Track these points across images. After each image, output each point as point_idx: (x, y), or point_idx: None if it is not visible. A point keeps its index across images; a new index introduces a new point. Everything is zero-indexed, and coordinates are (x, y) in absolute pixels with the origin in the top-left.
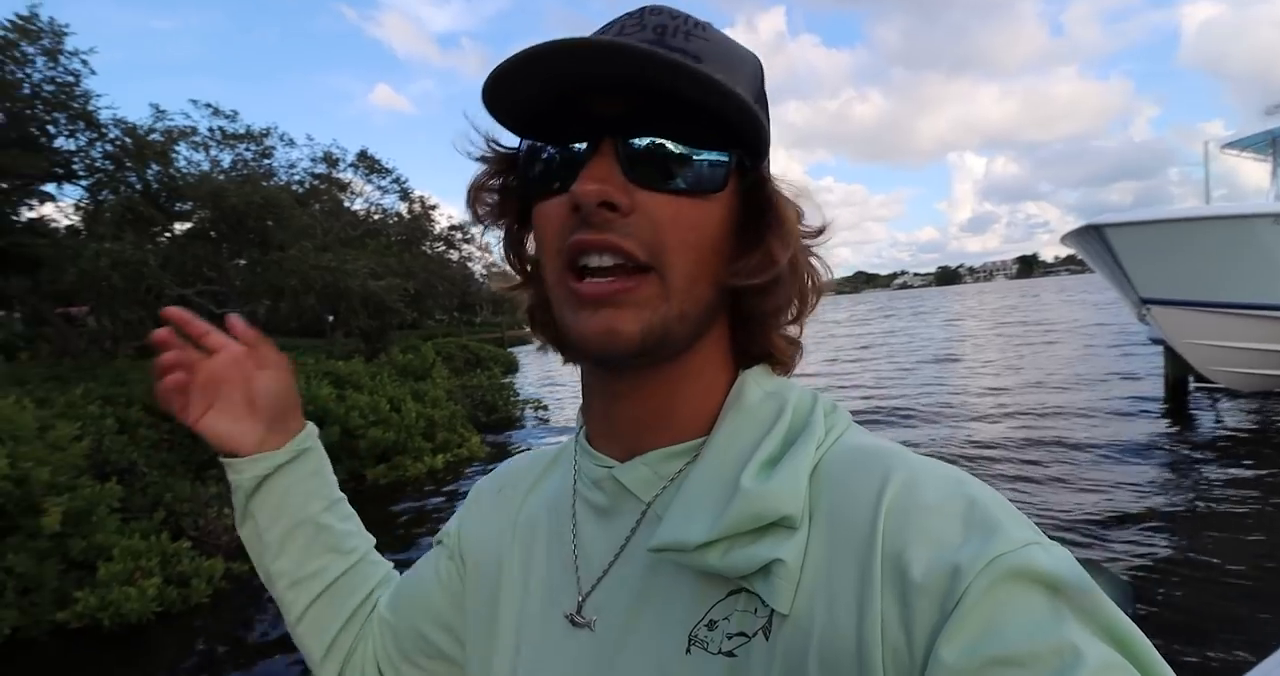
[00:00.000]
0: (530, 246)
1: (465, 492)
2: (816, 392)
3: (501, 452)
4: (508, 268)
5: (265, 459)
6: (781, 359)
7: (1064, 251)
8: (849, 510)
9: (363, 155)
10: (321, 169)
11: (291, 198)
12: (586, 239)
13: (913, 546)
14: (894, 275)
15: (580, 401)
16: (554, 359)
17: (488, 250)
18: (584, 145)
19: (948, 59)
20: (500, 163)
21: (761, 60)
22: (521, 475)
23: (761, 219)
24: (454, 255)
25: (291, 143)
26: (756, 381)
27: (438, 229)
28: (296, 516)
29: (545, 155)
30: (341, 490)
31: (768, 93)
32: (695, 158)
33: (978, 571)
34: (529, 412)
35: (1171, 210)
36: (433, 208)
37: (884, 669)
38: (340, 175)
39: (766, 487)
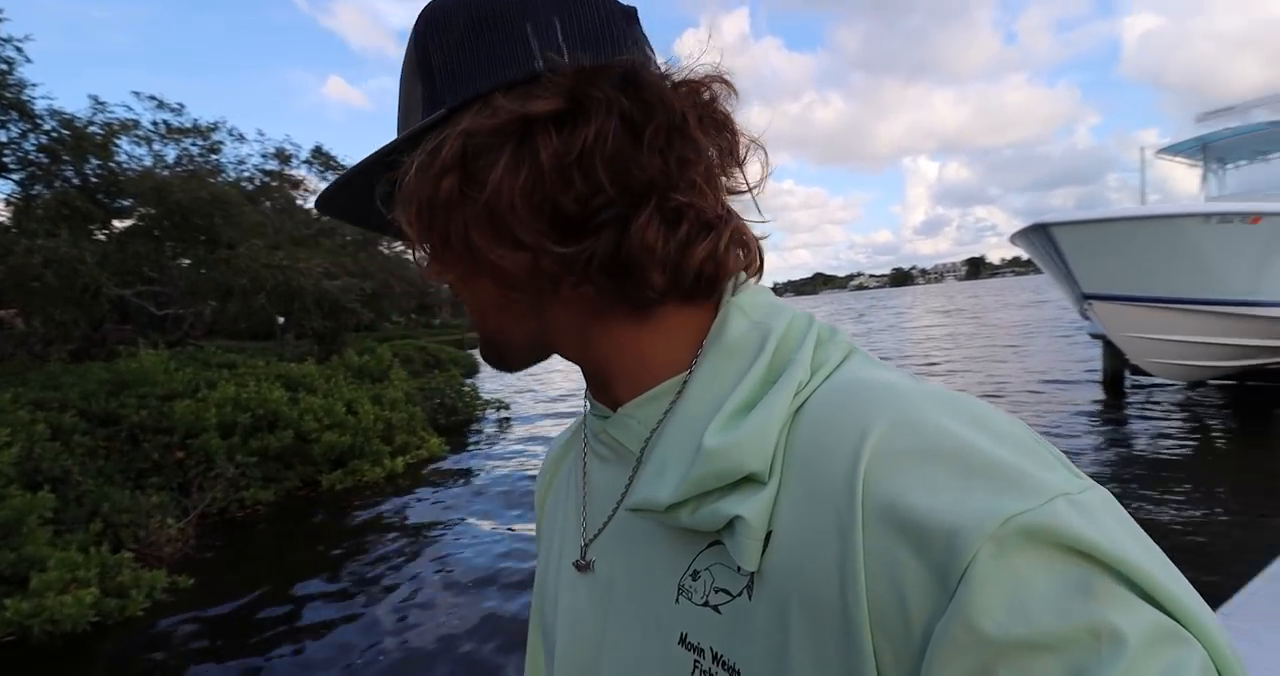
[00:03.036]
0: None
1: (426, 494)
2: (811, 317)
3: (463, 452)
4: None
5: None
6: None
7: (1010, 253)
8: (826, 457)
9: (317, 151)
10: (273, 165)
11: (241, 195)
12: None
13: (901, 500)
14: (850, 276)
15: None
16: None
17: None
18: None
19: (906, 64)
20: None
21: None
22: (567, 434)
23: None
24: (413, 255)
25: (241, 138)
26: (741, 310)
27: None
28: None
29: None
30: (295, 497)
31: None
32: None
33: (986, 536)
34: (490, 413)
35: (1112, 210)
36: None
37: (873, 640)
38: (293, 172)
39: (730, 443)
